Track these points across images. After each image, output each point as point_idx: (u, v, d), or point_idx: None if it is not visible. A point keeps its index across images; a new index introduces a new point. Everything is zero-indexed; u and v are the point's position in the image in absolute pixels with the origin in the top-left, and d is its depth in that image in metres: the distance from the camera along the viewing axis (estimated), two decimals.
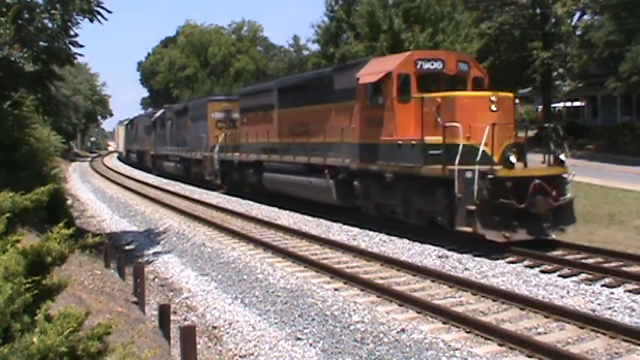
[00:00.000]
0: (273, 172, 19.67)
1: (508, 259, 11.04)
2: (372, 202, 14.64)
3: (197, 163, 28.39)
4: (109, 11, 13.56)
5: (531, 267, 10.46)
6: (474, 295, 8.91)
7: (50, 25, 13.45)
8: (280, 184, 19.41)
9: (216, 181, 25.72)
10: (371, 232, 14.28)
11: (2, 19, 12.63)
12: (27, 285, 3.24)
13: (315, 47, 42.35)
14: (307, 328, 8.14)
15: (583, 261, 10.67)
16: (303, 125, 17.78)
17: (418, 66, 13.70)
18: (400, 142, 13.20)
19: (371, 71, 14.33)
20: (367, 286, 9.40)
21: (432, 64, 13.87)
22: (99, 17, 13.34)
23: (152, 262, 13.28)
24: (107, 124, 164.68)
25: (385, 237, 13.62)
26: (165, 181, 33.52)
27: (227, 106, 27.21)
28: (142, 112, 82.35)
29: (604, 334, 7.06)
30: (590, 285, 9.22)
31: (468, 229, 11.35)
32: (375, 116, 14.14)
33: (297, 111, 18.35)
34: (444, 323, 7.65)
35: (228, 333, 8.60)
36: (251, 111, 22.24)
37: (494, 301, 8.56)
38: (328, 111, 16.20)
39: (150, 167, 40.12)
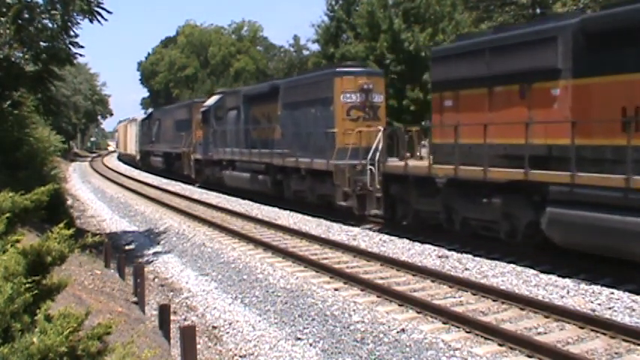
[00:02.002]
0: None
1: (508, 259, 11.03)
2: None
3: (318, 179, 17.19)
4: (109, 11, 13.61)
5: (531, 267, 10.45)
6: (474, 295, 8.91)
7: (50, 25, 13.49)
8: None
9: (375, 209, 15.46)
10: (371, 232, 14.29)
11: (2, 19, 12.65)
12: (27, 285, 3.24)
13: (315, 47, 42.35)
14: (307, 328, 8.14)
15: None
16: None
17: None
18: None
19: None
20: (367, 286, 9.40)
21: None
22: (99, 17, 13.38)
23: (152, 262, 13.28)
24: (107, 124, 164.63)
25: (385, 237, 13.62)
26: (165, 181, 33.41)
27: (366, 82, 16.63)
28: (142, 112, 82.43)
29: (604, 334, 7.06)
30: (590, 285, 9.22)
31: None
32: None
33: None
34: (444, 323, 7.65)
35: (228, 333, 8.60)
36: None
37: (494, 301, 8.56)
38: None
39: (192, 176, 29.75)
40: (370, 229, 15.01)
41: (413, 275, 10.19)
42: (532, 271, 10.17)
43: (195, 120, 29.61)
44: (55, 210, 12.50)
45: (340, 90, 16.59)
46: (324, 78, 17.46)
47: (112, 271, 11.05)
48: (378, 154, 14.95)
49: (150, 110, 49.15)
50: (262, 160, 20.58)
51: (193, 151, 29.30)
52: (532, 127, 10.36)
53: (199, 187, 28.65)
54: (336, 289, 9.46)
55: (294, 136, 18.70)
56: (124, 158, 59.12)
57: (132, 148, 51.21)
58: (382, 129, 15.71)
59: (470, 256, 11.44)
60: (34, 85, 13.81)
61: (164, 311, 7.45)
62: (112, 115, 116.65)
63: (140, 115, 61.31)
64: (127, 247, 14.79)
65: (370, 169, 14.91)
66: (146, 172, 41.72)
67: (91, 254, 11.74)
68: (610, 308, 8.13)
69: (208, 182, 27.55)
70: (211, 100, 27.39)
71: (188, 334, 5.89)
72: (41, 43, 13.57)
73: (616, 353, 6.60)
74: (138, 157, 46.77)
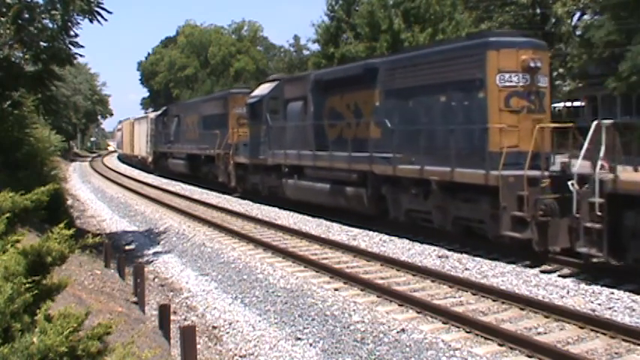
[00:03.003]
0: None
1: (508, 259, 11.03)
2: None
3: (459, 196, 12.27)
4: (109, 11, 13.61)
5: (531, 267, 10.45)
6: (474, 295, 8.91)
7: (50, 25, 13.48)
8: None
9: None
10: (371, 232, 14.29)
11: (2, 19, 12.65)
12: (27, 285, 3.24)
13: (316, 47, 42.35)
14: (307, 328, 8.14)
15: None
16: None
17: None
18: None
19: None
20: (367, 286, 9.40)
21: None
22: (99, 17, 13.38)
23: (152, 262, 13.28)
24: (107, 124, 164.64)
25: (385, 237, 13.62)
26: (165, 180, 33.38)
27: (532, 57, 11.70)
28: (143, 112, 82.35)
29: (604, 334, 7.06)
30: (590, 285, 9.22)
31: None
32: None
33: None
34: (444, 323, 7.65)
35: (228, 333, 8.60)
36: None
37: (494, 301, 8.56)
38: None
39: (231, 184, 24.06)
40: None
41: (413, 275, 10.20)
42: (532, 271, 10.17)
43: (232, 115, 24.99)
44: (55, 210, 12.49)
45: (495, 68, 11.58)
46: (467, 52, 12.33)
47: (112, 271, 11.05)
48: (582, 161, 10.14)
49: (164, 107, 40.64)
50: (354, 168, 15.12)
51: (234, 154, 23.15)
52: None
53: (238, 197, 23.22)
54: (336, 289, 9.46)
55: (407, 135, 13.48)
56: (127, 160, 53.34)
57: (141, 149, 44.45)
58: (597, 122, 10.14)
59: (470, 256, 11.44)
60: (34, 85, 13.81)
61: (164, 311, 7.45)
62: (112, 115, 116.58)
63: (138, 112, 59.14)
64: (127, 247, 14.79)
65: (573, 185, 9.88)
66: (162, 177, 35.43)
67: (91, 254, 11.74)
68: (610, 308, 8.13)
69: (254, 192, 22.13)
70: (262, 90, 21.23)
71: (188, 334, 5.89)
72: (41, 43, 13.56)
73: (616, 353, 6.60)
74: (150, 160, 40.44)
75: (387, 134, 14.08)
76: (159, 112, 39.13)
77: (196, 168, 29.70)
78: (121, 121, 68.64)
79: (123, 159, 58.04)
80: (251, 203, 21.24)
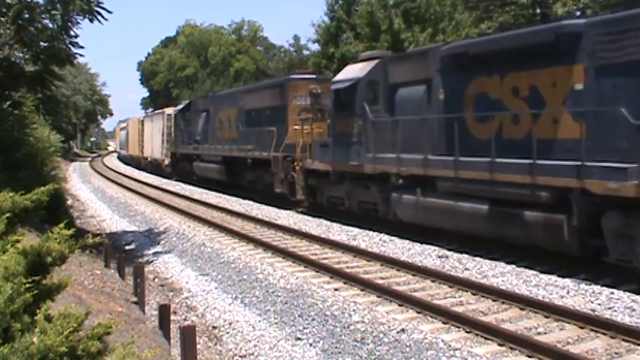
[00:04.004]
0: None
1: (508, 259, 11.04)
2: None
3: None
4: (109, 11, 13.63)
5: (531, 267, 10.45)
6: (474, 295, 8.91)
7: (50, 25, 13.49)
8: None
9: None
10: (371, 232, 14.29)
11: (2, 19, 12.66)
12: (27, 285, 3.24)
13: (316, 47, 42.35)
14: (307, 328, 8.14)
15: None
16: None
17: None
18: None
19: None
20: (367, 286, 9.40)
21: None
22: (99, 17, 13.40)
23: (152, 262, 13.28)
24: (107, 124, 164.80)
25: (385, 237, 13.62)
26: (165, 180, 33.38)
27: None
28: (143, 112, 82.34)
29: (604, 334, 7.06)
30: (590, 285, 9.22)
31: None
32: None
33: None
34: (444, 323, 7.65)
35: (228, 333, 8.60)
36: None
37: (494, 301, 8.56)
38: None
39: (295, 197, 18.79)
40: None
41: (413, 275, 10.20)
42: (532, 271, 10.16)
43: (293, 107, 19.54)
44: (55, 210, 12.50)
45: None
46: None
47: (112, 271, 11.06)
48: None
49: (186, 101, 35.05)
50: (543, 182, 10.05)
51: (310, 157, 17.30)
52: None
53: (305, 213, 17.97)
54: (336, 289, 9.46)
55: None
56: (134, 164, 48.11)
57: (154, 151, 38.82)
58: None
59: (470, 256, 11.44)
60: (34, 85, 13.82)
61: (164, 311, 7.45)
62: (112, 115, 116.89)
63: (138, 112, 57.61)
64: (127, 247, 14.79)
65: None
66: (182, 182, 30.89)
67: (91, 254, 11.74)
68: (610, 308, 8.13)
69: (332, 209, 16.96)
70: (353, 72, 15.64)
71: (188, 334, 5.89)
72: (41, 43, 13.57)
73: (616, 353, 6.60)
74: (166, 163, 34.92)
75: (606, 129, 9.41)
76: (180, 107, 33.19)
77: (237, 174, 23.92)
78: (122, 121, 68.08)
79: (128, 162, 52.26)
80: (251, 203, 21.17)
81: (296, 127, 18.70)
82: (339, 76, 16.31)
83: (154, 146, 38.98)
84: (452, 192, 12.15)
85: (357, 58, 17.33)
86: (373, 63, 15.21)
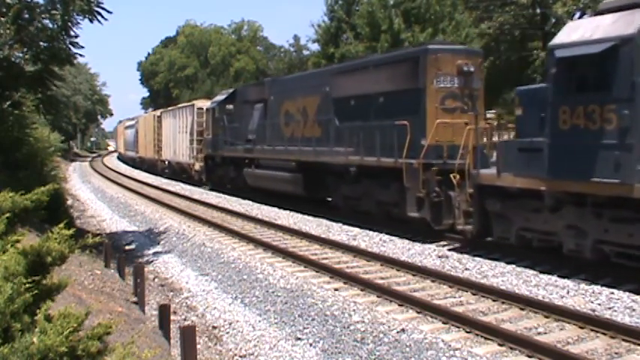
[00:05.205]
0: None
1: (508, 259, 11.04)
2: None
3: None
4: (109, 11, 13.63)
5: (531, 267, 10.45)
6: (474, 295, 8.91)
7: (50, 25, 13.49)
8: None
9: None
10: (371, 232, 14.28)
11: (2, 19, 12.66)
12: (27, 285, 3.24)
13: (315, 47, 42.37)
14: (307, 328, 8.14)
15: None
16: None
17: None
18: None
19: None
20: (367, 286, 9.40)
21: None
22: (99, 17, 13.40)
23: (152, 262, 13.29)
24: (107, 124, 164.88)
25: (385, 237, 13.62)
26: (165, 180, 33.33)
27: None
28: (143, 111, 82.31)
29: (604, 334, 7.06)
30: (590, 285, 9.22)
31: None
32: None
33: None
34: (444, 323, 7.65)
35: (228, 333, 8.60)
36: None
37: (494, 301, 8.56)
38: None
39: (463, 226, 12.08)
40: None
41: (413, 275, 10.19)
42: (532, 271, 10.16)
43: (434, 91, 13.27)
44: (55, 210, 12.50)
45: None
46: None
47: (112, 271, 11.06)
48: None
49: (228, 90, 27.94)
50: None
51: (482, 166, 11.69)
52: None
53: (481, 256, 11.48)
54: (336, 289, 9.46)
55: None
56: (145, 167, 42.90)
57: (177, 152, 32.85)
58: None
59: (470, 256, 11.44)
60: (34, 85, 13.82)
61: (164, 311, 7.45)
62: (112, 115, 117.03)
63: (138, 112, 55.90)
64: (127, 247, 14.80)
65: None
66: (218, 192, 25.31)
67: (91, 254, 11.74)
68: (610, 308, 8.13)
69: (529, 251, 10.98)
70: (610, 26, 9.19)
71: (188, 334, 5.89)
72: (41, 43, 13.57)
73: (616, 353, 6.60)
74: (196, 168, 29.14)
75: None
76: (219, 98, 26.43)
77: (322, 187, 17.67)
78: (120, 122, 67.89)
79: (139, 165, 46.23)
80: (251, 203, 21.16)
81: (445, 120, 12.99)
82: (569, 36, 9.90)
83: (178, 147, 32.70)
84: None
85: (602, 6, 10.02)
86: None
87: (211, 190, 26.57)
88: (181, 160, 32.19)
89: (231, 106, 24.53)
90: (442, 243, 12.64)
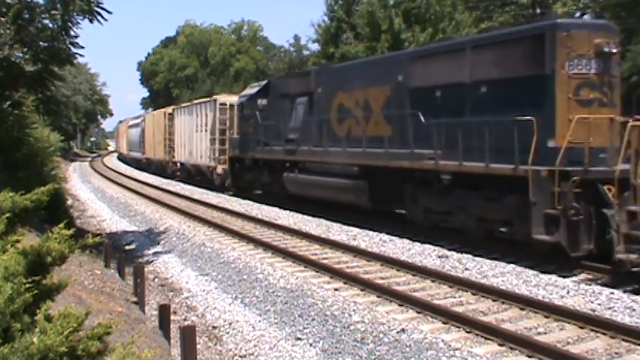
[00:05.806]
0: None
1: (508, 259, 11.04)
2: None
3: None
4: (108, 11, 13.61)
5: (531, 267, 10.45)
6: (474, 295, 8.91)
7: (50, 25, 13.48)
8: None
9: None
10: (371, 232, 14.28)
11: (2, 19, 12.65)
12: (27, 285, 3.24)
13: (316, 47, 42.37)
14: (307, 328, 8.14)
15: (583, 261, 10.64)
16: None
17: None
18: None
19: None
20: (367, 286, 9.40)
21: None
22: (99, 18, 13.39)
23: (152, 262, 13.28)
24: (107, 124, 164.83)
25: (385, 237, 13.62)
26: (165, 180, 33.30)
27: None
28: (143, 111, 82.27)
29: (604, 334, 7.06)
30: (590, 285, 9.22)
31: None
32: None
33: None
34: (444, 323, 7.65)
35: (228, 333, 8.60)
36: None
37: (494, 301, 8.56)
38: None
39: None
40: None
41: (413, 275, 10.19)
42: (532, 271, 10.16)
43: (565, 77, 10.36)
44: (55, 210, 12.50)
45: None
46: None
47: (112, 271, 11.05)
48: None
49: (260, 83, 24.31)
50: None
51: None
52: None
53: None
54: (336, 289, 9.46)
55: None
56: (144, 167, 41.64)
57: (194, 154, 29.38)
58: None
59: (470, 256, 11.44)
60: (34, 85, 13.81)
61: (164, 311, 7.45)
62: (111, 115, 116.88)
63: (139, 112, 55.27)
64: (127, 247, 14.79)
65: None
66: (249, 200, 21.87)
67: (91, 254, 11.74)
68: (610, 308, 8.13)
69: None
70: None
71: (188, 334, 5.89)
72: (41, 43, 13.57)
73: (616, 353, 6.60)
74: (219, 171, 25.87)
75: None
76: (250, 91, 22.75)
77: (395, 197, 14.47)
78: (120, 122, 67.68)
79: (145, 167, 43.02)
80: (251, 203, 21.14)
81: (583, 115, 10.27)
82: None
83: (195, 148, 29.10)
84: None
85: None
86: None
87: (234, 196, 23.54)
88: (199, 162, 28.50)
89: (264, 101, 20.94)
90: (442, 243, 12.63)
